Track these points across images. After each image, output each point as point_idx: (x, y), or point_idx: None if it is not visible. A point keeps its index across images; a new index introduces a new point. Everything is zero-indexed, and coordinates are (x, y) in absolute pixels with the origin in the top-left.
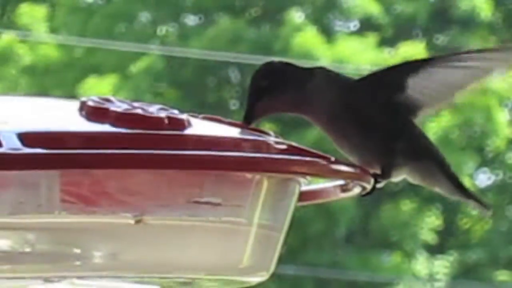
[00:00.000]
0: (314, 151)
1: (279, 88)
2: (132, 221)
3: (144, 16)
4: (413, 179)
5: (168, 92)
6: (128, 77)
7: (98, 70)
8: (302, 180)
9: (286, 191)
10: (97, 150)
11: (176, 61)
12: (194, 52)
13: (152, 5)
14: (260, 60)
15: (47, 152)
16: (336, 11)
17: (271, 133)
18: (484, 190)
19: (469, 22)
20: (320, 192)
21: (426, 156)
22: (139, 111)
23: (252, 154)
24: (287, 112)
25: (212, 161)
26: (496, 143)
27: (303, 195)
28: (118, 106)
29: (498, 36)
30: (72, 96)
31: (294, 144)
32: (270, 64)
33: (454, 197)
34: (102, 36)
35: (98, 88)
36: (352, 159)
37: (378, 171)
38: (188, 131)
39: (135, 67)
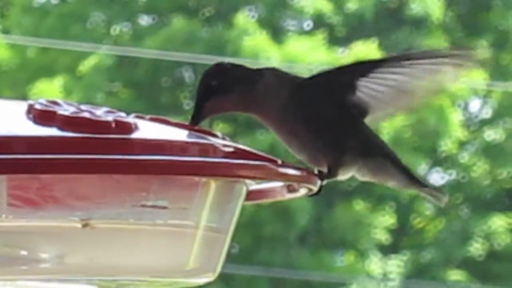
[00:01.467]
0: (261, 153)
1: (228, 88)
2: (79, 225)
3: (98, 16)
4: (362, 176)
5: (122, 92)
6: (79, 77)
7: (50, 70)
8: (249, 181)
9: (232, 193)
10: (45, 154)
11: (130, 61)
12: (147, 52)
13: (106, 5)
14: (213, 60)
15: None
16: (288, 10)
17: (219, 134)
18: None
19: (421, 23)
20: (266, 192)
21: (376, 153)
22: (86, 114)
23: (198, 158)
24: (236, 111)
25: (158, 165)
26: (448, 144)
27: (250, 194)
28: (66, 109)
29: (450, 37)
30: (23, 97)
31: (241, 146)
32: (219, 65)
33: (409, 189)
34: (56, 37)
35: (49, 89)
36: (300, 157)
37: (325, 169)
38: (135, 135)
39: (84, 66)
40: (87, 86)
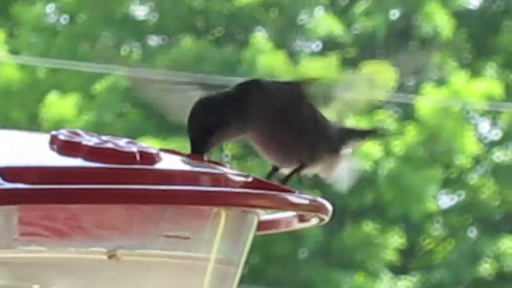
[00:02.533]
0: (273, 183)
1: (226, 122)
2: (105, 256)
3: (107, 37)
4: (325, 172)
5: (131, 112)
6: (92, 97)
7: (60, 90)
8: (260, 211)
9: (244, 224)
10: (71, 185)
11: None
12: (157, 72)
13: (115, 26)
14: (224, 80)
15: (31, 188)
16: (298, 32)
17: (227, 165)
18: (446, 211)
19: (431, 42)
20: (277, 222)
21: (340, 148)
22: (110, 145)
23: (220, 189)
24: (233, 138)
25: (184, 195)
26: (462, 159)
27: (260, 225)
28: (88, 140)
29: (459, 57)
30: (33, 117)
31: (252, 176)
32: (209, 99)
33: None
34: (65, 57)
35: (60, 107)
36: (273, 160)
37: (296, 166)
38: (158, 166)
39: (100, 86)
40: (100, 106)
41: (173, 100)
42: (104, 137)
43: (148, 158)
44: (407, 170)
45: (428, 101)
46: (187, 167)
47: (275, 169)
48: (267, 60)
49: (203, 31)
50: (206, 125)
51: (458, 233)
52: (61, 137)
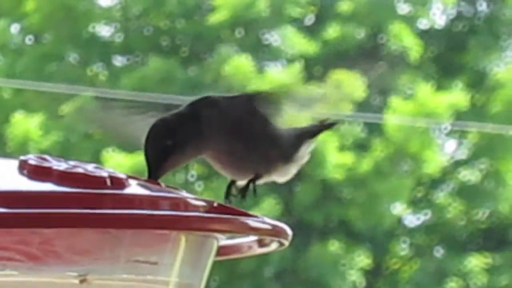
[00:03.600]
0: (232, 207)
1: (182, 144)
2: (76, 281)
3: (73, 57)
4: (281, 178)
5: (97, 133)
6: (58, 117)
7: (26, 110)
8: (219, 236)
9: (204, 248)
10: (44, 209)
11: (106, 101)
12: (122, 93)
13: (81, 46)
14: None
15: (9, 212)
16: (264, 51)
17: (183, 191)
18: (412, 230)
19: (398, 61)
20: (238, 247)
21: (291, 155)
22: (80, 170)
23: (186, 213)
24: (190, 160)
25: (159, 220)
26: (430, 168)
27: (221, 249)
28: (58, 164)
29: (426, 76)
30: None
31: (212, 200)
32: (163, 122)
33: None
34: (31, 77)
35: (26, 126)
36: (227, 173)
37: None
38: (128, 191)
39: (67, 107)
40: (65, 127)
41: (136, 123)
42: (72, 162)
43: (118, 183)
44: (374, 185)
45: (393, 119)
46: (154, 193)
47: (233, 181)
48: (233, 68)
49: (168, 52)
50: (161, 150)
51: (424, 252)
52: (31, 162)
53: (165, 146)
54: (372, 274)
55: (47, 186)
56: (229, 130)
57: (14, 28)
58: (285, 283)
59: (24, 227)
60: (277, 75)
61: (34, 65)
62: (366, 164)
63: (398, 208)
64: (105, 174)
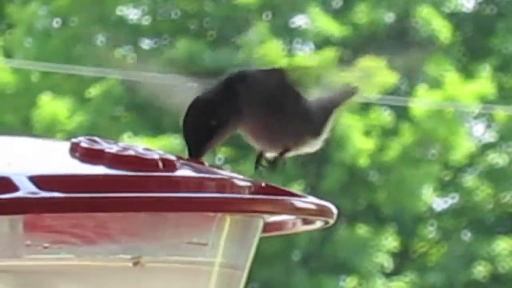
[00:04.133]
0: (278, 187)
1: (224, 123)
2: (130, 263)
3: (100, 40)
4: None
5: (124, 116)
6: (86, 100)
7: (54, 93)
8: (265, 215)
9: (250, 228)
10: (109, 193)
11: (132, 85)
12: (150, 75)
13: (109, 29)
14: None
15: (68, 196)
16: (293, 34)
17: (227, 170)
18: (440, 214)
19: (427, 45)
20: (282, 224)
21: (320, 130)
22: (132, 152)
23: (232, 195)
24: (228, 137)
25: (209, 202)
26: (457, 155)
27: (265, 226)
28: (109, 147)
29: (454, 60)
30: (26, 121)
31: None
32: (202, 101)
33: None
34: (59, 59)
35: (53, 108)
36: (260, 146)
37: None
38: (179, 173)
39: (95, 90)
40: (93, 110)
41: (168, 98)
42: (122, 144)
43: (170, 165)
44: (402, 169)
45: (421, 104)
46: (203, 174)
47: (261, 153)
48: (264, 50)
49: (197, 34)
50: (204, 129)
51: (452, 235)
52: (83, 144)
53: (208, 125)
54: (400, 258)
55: (100, 169)
56: (263, 104)
57: (42, 10)
58: (312, 266)
59: (80, 211)
60: (306, 59)
61: (61, 48)
62: (393, 150)
63: (426, 192)
64: (156, 156)
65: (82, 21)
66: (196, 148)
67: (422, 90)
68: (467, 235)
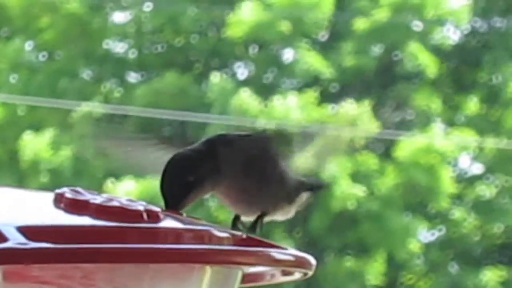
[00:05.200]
0: (256, 238)
1: (203, 181)
2: None
3: (86, 73)
4: (283, 216)
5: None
6: (69, 128)
7: (39, 127)
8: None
9: (229, 278)
10: (83, 243)
11: (120, 118)
12: (136, 109)
13: (95, 62)
14: (203, 117)
15: (56, 247)
16: (280, 68)
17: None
18: (427, 246)
19: (414, 78)
20: (261, 275)
21: (298, 193)
22: (116, 203)
23: (225, 247)
24: (204, 195)
25: (195, 254)
26: (440, 201)
27: (244, 277)
28: (93, 198)
29: (440, 93)
30: (12, 153)
31: (236, 233)
32: (182, 158)
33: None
34: (45, 93)
35: (36, 145)
36: (237, 210)
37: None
38: (163, 224)
39: (75, 116)
40: (77, 137)
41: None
42: (105, 195)
43: (154, 216)
44: (388, 207)
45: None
46: (187, 226)
47: (237, 217)
48: (237, 101)
49: (182, 68)
50: (182, 185)
51: (439, 267)
52: (67, 195)
53: (186, 181)
54: None
55: (86, 220)
56: (242, 168)
57: (28, 45)
58: None
59: (70, 262)
60: (290, 95)
61: (47, 82)
62: (377, 194)
63: (414, 226)
64: (140, 208)
65: (68, 54)
66: (173, 202)
67: (403, 142)
68: (454, 267)
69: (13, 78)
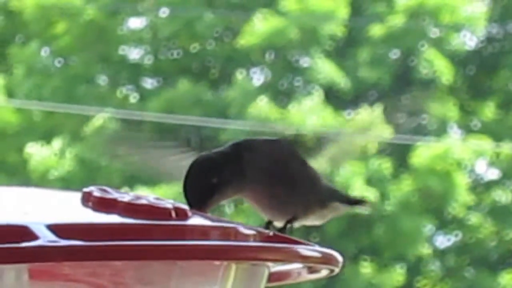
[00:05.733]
0: (281, 234)
1: (227, 183)
2: None
3: (102, 79)
4: (314, 221)
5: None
6: (82, 139)
7: (54, 133)
8: (270, 263)
9: (255, 276)
10: (113, 241)
11: (135, 123)
12: (151, 115)
13: (111, 68)
14: (219, 122)
15: (87, 245)
16: (295, 74)
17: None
18: (443, 252)
19: (430, 84)
20: (288, 274)
21: (329, 199)
22: (145, 201)
23: (252, 243)
24: (229, 199)
25: (222, 250)
26: (455, 207)
27: (270, 276)
28: (121, 196)
29: (457, 99)
30: (26, 160)
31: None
32: (207, 160)
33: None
34: (60, 99)
35: (42, 151)
36: (267, 215)
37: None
38: (191, 221)
39: (88, 128)
40: (90, 149)
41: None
42: (132, 193)
43: (182, 214)
44: (404, 213)
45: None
46: (215, 223)
47: (270, 222)
48: (255, 108)
49: (198, 74)
50: (206, 187)
51: (455, 273)
52: (96, 193)
53: (209, 183)
54: None
55: (114, 218)
56: (269, 173)
57: (44, 51)
58: None
59: (100, 259)
60: (303, 101)
61: (63, 88)
62: (392, 200)
63: (429, 229)
64: (169, 206)
65: (84, 60)
66: (195, 203)
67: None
68: (470, 272)
69: (28, 84)
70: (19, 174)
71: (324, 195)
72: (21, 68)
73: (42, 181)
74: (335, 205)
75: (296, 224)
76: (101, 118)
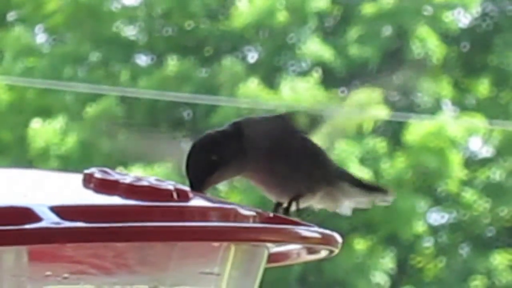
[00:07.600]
0: (281, 215)
1: (227, 161)
2: None
3: (96, 57)
4: (320, 203)
5: (121, 133)
6: (82, 119)
7: (49, 111)
8: (270, 244)
9: (255, 258)
10: (114, 222)
11: (128, 101)
12: (146, 92)
13: (104, 45)
14: (210, 100)
15: (90, 226)
16: (287, 53)
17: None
18: (437, 229)
19: (422, 63)
20: (287, 254)
21: (336, 179)
22: (146, 183)
23: (251, 224)
24: (231, 178)
25: (222, 231)
26: (449, 183)
27: (270, 257)
28: (123, 177)
29: (450, 77)
30: (21, 138)
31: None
32: (208, 139)
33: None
34: (53, 77)
35: (46, 129)
36: (271, 194)
37: (287, 200)
38: (193, 203)
39: (92, 109)
40: (90, 129)
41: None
42: (133, 175)
43: (184, 195)
44: (398, 190)
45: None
46: (214, 204)
47: (279, 203)
48: (245, 89)
49: (192, 51)
50: (207, 164)
51: (450, 250)
52: (97, 175)
53: (211, 161)
54: (397, 273)
55: (116, 200)
56: (270, 150)
57: (38, 29)
58: (310, 285)
59: (104, 241)
60: (297, 79)
61: (56, 66)
62: (386, 178)
63: (422, 206)
64: (170, 187)
65: (77, 38)
66: (196, 181)
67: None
68: (464, 250)
69: (21, 62)
70: (14, 153)
71: (330, 171)
72: (13, 47)
73: (41, 158)
74: (344, 185)
75: (303, 203)
76: (105, 99)
